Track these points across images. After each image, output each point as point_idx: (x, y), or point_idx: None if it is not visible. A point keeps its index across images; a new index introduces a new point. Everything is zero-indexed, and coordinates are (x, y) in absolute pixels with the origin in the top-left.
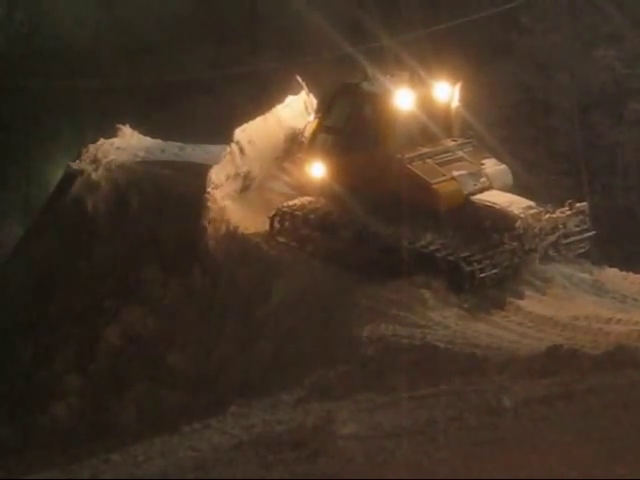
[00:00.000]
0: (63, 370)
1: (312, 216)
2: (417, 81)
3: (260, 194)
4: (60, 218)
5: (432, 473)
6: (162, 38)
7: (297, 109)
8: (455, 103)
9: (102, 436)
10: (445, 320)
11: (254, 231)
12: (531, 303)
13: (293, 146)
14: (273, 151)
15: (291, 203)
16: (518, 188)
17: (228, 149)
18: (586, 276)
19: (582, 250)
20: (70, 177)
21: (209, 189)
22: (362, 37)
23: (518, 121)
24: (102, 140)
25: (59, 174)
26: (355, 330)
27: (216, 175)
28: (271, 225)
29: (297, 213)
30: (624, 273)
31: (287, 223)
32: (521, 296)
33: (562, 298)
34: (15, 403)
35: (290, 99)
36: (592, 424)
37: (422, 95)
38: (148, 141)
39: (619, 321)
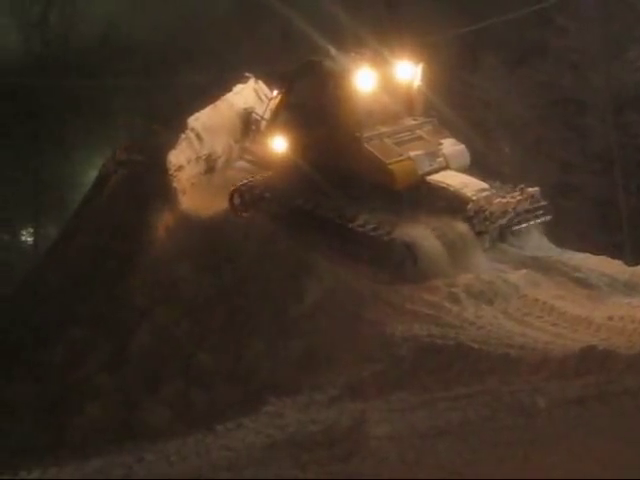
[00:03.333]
0: (96, 370)
1: (268, 194)
2: (379, 60)
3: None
4: (94, 218)
5: (465, 473)
6: (196, 39)
7: (247, 95)
8: (417, 83)
9: (135, 436)
10: (479, 320)
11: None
12: (565, 303)
13: (250, 127)
14: (231, 133)
15: (250, 180)
16: (550, 187)
17: (183, 135)
18: (620, 276)
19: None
20: (104, 178)
21: (171, 171)
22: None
23: (552, 121)
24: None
25: (93, 175)
26: (388, 330)
27: (175, 158)
28: (231, 201)
29: (255, 191)
30: None
31: (247, 198)
32: (555, 296)
33: (596, 298)
34: (49, 403)
35: (239, 87)
36: (626, 425)
37: (384, 74)
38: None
39: None
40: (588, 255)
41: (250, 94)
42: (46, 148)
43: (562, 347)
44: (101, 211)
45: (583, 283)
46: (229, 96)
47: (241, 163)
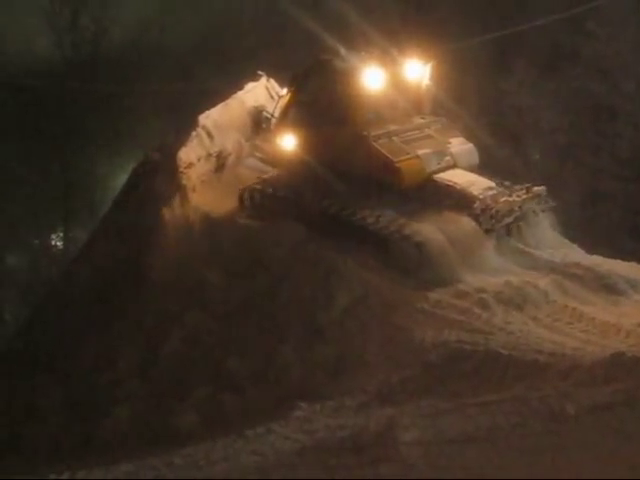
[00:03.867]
0: (126, 374)
1: (281, 193)
2: (388, 60)
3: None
4: (124, 222)
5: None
6: (227, 42)
7: (259, 93)
8: (426, 82)
9: (164, 440)
10: (508, 326)
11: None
12: (595, 310)
13: (261, 125)
14: (242, 131)
15: (260, 179)
16: (579, 195)
17: (194, 133)
18: None
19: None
20: (134, 181)
21: (181, 169)
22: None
23: (582, 127)
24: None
25: (123, 178)
26: (418, 335)
27: (185, 155)
28: (241, 201)
29: (267, 190)
30: None
31: (257, 197)
32: (585, 302)
33: (625, 304)
34: (78, 407)
35: (250, 85)
36: None
37: (393, 73)
38: None
39: None
40: (618, 261)
41: (262, 92)
42: (76, 152)
43: (591, 353)
44: (125, 214)
45: (612, 289)
46: (240, 94)
47: (251, 160)
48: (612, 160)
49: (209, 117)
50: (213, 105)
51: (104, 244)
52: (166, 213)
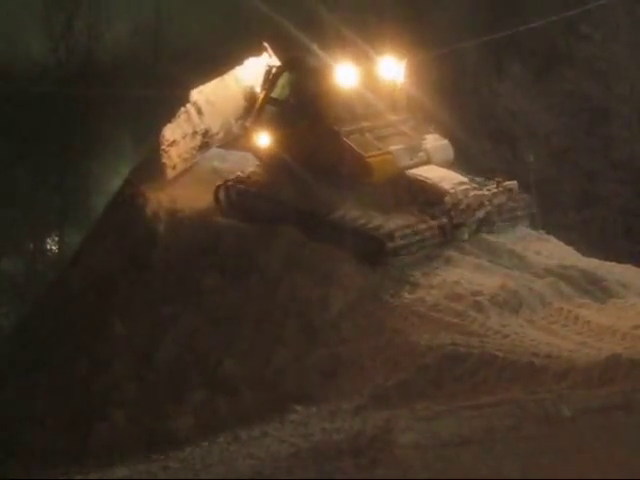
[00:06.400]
0: (121, 377)
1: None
2: (362, 57)
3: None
4: (118, 226)
5: None
6: (221, 47)
7: (257, 71)
8: (401, 79)
9: (160, 443)
10: (504, 329)
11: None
12: (590, 312)
13: (253, 105)
14: (233, 110)
15: (234, 176)
16: (574, 198)
17: (183, 109)
18: None
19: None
20: (129, 186)
21: (163, 146)
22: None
23: (577, 130)
24: None
25: (118, 183)
26: (413, 338)
27: (170, 132)
28: (216, 197)
29: (239, 186)
30: None
31: (232, 194)
32: (581, 305)
33: (621, 307)
34: (74, 411)
35: (250, 61)
36: None
37: (367, 71)
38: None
39: None
40: (613, 264)
41: (261, 70)
42: (71, 156)
43: (587, 356)
44: (122, 216)
45: (608, 292)
46: (238, 70)
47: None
48: (607, 162)
49: (202, 92)
50: (208, 79)
51: (99, 247)
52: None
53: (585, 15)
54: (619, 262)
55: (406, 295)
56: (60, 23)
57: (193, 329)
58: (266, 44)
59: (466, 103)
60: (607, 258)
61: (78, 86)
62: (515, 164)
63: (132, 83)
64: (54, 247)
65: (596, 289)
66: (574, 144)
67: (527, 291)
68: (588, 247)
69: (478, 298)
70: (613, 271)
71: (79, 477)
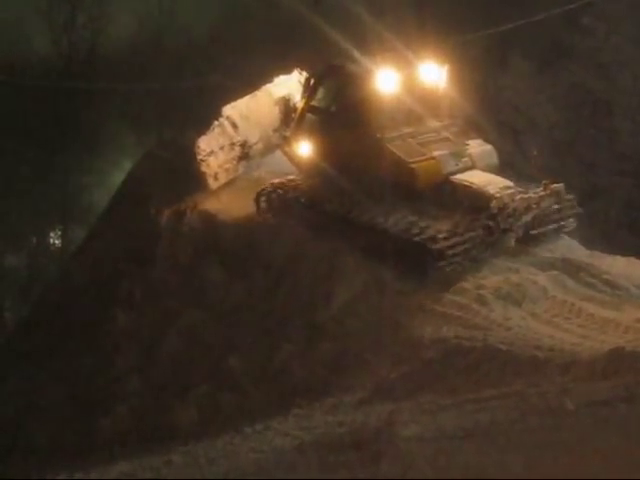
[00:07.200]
0: (125, 372)
1: (293, 194)
2: (404, 62)
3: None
4: (122, 220)
5: (494, 475)
6: (223, 43)
7: (290, 86)
8: (442, 84)
9: (164, 438)
10: (507, 322)
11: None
12: (593, 305)
13: (290, 115)
14: (270, 122)
15: (276, 182)
16: (577, 191)
17: (216, 123)
18: None
19: (565, 229)
20: (132, 180)
21: (200, 157)
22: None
23: (580, 122)
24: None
25: (121, 177)
26: (417, 332)
27: (206, 144)
28: (257, 203)
29: (280, 192)
30: None
31: (274, 200)
32: (584, 298)
33: (624, 300)
34: (77, 405)
35: (281, 78)
36: None
37: (408, 76)
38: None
39: None
40: (616, 257)
41: (293, 86)
42: (74, 151)
43: (590, 349)
44: (125, 212)
45: (611, 285)
46: (269, 86)
47: (278, 153)
48: (610, 155)
49: (235, 108)
50: (235, 98)
51: (103, 241)
52: (165, 210)
53: (588, 8)
54: (622, 255)
55: (410, 289)
56: (63, 17)
57: (197, 324)
58: (297, 69)
59: (469, 96)
60: (610, 251)
61: (80, 80)
62: (518, 157)
63: (134, 78)
64: (57, 242)
65: (599, 282)
66: (577, 137)
67: (530, 284)
68: (591, 239)
69: (481, 291)
70: (616, 264)
71: (80, 474)
